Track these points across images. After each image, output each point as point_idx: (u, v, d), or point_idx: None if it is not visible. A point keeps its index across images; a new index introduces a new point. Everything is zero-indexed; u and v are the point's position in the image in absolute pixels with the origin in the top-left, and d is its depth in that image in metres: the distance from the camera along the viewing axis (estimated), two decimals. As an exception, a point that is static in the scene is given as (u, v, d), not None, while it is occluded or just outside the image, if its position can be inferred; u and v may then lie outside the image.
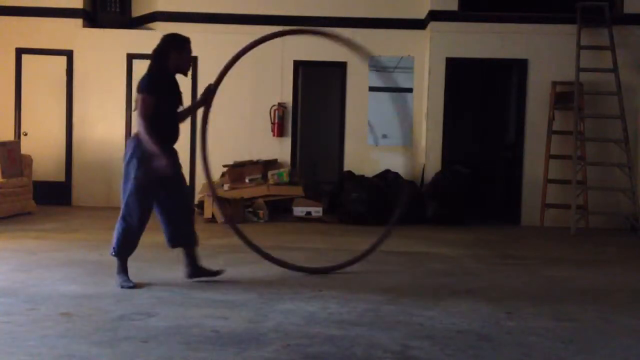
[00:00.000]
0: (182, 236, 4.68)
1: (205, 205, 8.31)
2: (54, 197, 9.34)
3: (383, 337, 3.45)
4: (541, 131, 8.86)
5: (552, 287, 4.98)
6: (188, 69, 4.69)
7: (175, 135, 4.65)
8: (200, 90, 5.17)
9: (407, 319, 3.84)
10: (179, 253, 4.78)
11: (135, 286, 4.45)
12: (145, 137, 4.35)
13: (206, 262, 5.45)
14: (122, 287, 4.44)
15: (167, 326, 3.53)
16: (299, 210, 8.62)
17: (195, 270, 4.73)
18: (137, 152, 4.43)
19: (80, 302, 4.03)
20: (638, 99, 8.88)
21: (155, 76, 4.51)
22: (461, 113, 9.87)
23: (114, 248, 4.56)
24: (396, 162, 9.37)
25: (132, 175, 4.44)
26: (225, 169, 9.10)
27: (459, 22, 8.98)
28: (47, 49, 9.55)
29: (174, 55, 4.55)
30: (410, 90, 9.55)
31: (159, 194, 4.54)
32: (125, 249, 4.57)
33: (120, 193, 4.55)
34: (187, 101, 4.86)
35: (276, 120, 9.50)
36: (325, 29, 5.98)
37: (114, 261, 4.61)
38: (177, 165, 4.63)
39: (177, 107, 4.68)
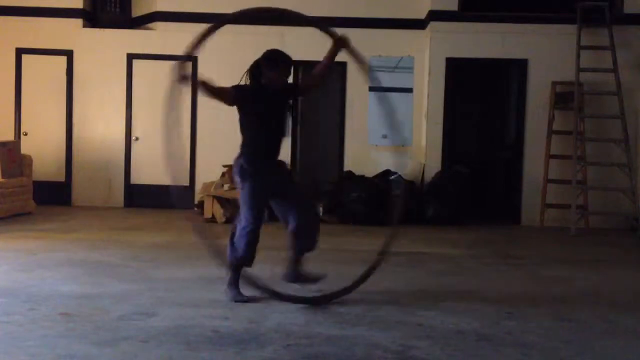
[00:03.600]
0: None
1: (205, 205, 8.31)
2: (54, 197, 9.32)
3: (383, 337, 3.45)
4: (541, 131, 8.84)
5: (552, 287, 4.98)
6: (275, 87, 4.57)
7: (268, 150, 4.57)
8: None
9: (407, 319, 3.84)
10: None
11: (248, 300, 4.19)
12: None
13: (207, 262, 5.45)
14: (236, 301, 4.19)
15: (167, 326, 3.53)
16: (299, 210, 8.60)
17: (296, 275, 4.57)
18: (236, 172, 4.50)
19: (80, 302, 4.03)
20: (638, 99, 8.87)
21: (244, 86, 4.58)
22: (461, 113, 9.87)
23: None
24: (396, 162, 9.35)
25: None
26: (225, 169, 9.09)
27: (459, 22, 8.97)
28: (47, 49, 9.52)
29: (264, 72, 4.54)
30: (410, 90, 9.55)
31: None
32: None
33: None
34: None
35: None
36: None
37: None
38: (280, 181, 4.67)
39: (272, 120, 4.52)
